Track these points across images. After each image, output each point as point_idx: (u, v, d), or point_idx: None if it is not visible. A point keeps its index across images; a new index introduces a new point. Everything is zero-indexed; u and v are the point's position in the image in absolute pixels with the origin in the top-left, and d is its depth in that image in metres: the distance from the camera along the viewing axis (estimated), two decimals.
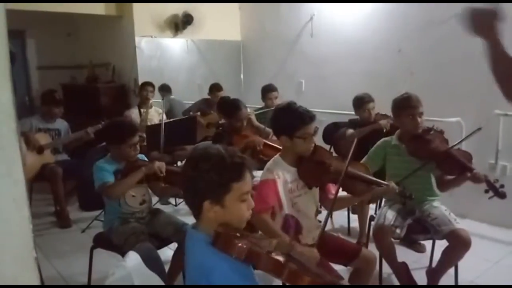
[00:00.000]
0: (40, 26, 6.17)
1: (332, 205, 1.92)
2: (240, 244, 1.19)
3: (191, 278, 1.28)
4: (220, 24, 5.80)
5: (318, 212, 2.15)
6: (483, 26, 1.22)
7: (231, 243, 1.19)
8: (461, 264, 2.38)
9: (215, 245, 1.21)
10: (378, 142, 2.66)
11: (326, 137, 4.26)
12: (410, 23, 4.03)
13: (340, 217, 3.64)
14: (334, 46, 4.82)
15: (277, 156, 2.11)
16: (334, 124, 4.26)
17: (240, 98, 3.66)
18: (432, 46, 3.82)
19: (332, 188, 2.13)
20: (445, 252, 2.35)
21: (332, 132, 4.13)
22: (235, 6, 6.00)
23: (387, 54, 4.21)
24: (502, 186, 2.28)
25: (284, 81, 5.26)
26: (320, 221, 2.17)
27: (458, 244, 2.25)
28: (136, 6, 5.23)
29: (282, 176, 2.01)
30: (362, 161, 2.53)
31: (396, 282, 2.52)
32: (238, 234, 1.26)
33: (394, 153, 2.55)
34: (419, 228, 2.44)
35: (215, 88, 4.95)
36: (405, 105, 2.48)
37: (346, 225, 3.61)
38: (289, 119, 2.01)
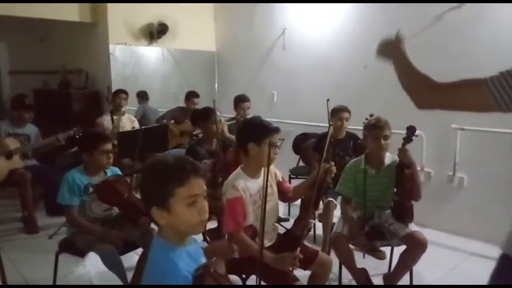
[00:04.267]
0: (13, 30, 6.11)
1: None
2: None
3: (149, 280, 1.34)
4: (195, 35, 5.89)
5: (277, 216, 2.26)
6: (390, 50, 1.47)
7: None
8: (418, 270, 2.50)
9: None
10: (346, 168, 2.72)
11: (295, 147, 4.41)
12: (375, 40, 4.20)
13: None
14: (305, 59, 4.98)
15: (238, 169, 2.19)
16: (303, 134, 4.41)
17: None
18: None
19: (286, 185, 2.32)
20: (402, 255, 2.49)
21: (301, 142, 4.28)
22: (210, 17, 6.10)
23: (354, 69, 4.38)
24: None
25: (257, 92, 5.37)
26: (278, 224, 2.30)
27: (415, 246, 2.38)
28: (111, 13, 5.27)
29: (247, 190, 2.11)
30: (336, 189, 2.73)
31: None
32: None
33: (362, 178, 2.62)
34: (377, 234, 2.56)
35: (191, 95, 4.98)
36: (371, 127, 2.61)
37: (312, 232, 3.71)
38: (258, 127, 2.13)
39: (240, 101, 4.36)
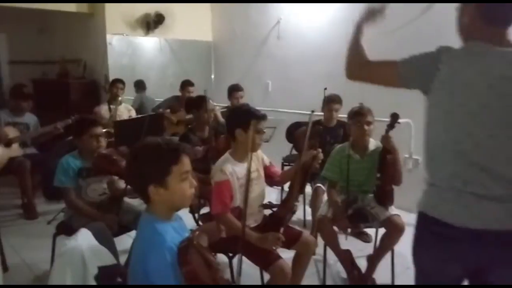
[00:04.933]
0: (12, 20, 6.18)
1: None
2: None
3: (137, 253, 1.44)
4: (192, 25, 5.96)
5: (263, 198, 2.37)
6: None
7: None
8: (400, 251, 2.60)
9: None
10: (331, 154, 2.84)
11: (288, 136, 4.50)
12: (368, 28, 4.28)
13: (298, 211, 3.86)
14: (299, 49, 5.05)
15: (226, 154, 2.30)
16: (297, 123, 4.49)
17: (210, 96, 3.84)
18: (384, 51, 4.08)
19: (273, 169, 2.42)
20: (382, 238, 2.60)
21: (294, 131, 4.37)
22: (206, 7, 6.17)
23: None
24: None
25: (252, 82, 5.46)
26: (265, 205, 2.41)
27: (393, 230, 2.50)
28: (108, 4, 5.33)
29: (234, 173, 2.21)
30: (322, 174, 2.82)
31: (341, 268, 2.75)
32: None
33: (347, 163, 2.71)
34: (360, 217, 2.67)
35: (186, 84, 5.05)
36: (355, 114, 2.72)
37: (302, 218, 3.83)
38: (246, 114, 2.23)
39: (233, 90, 4.45)
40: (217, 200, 2.17)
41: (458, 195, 1.28)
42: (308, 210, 3.74)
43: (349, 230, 2.68)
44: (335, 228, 2.63)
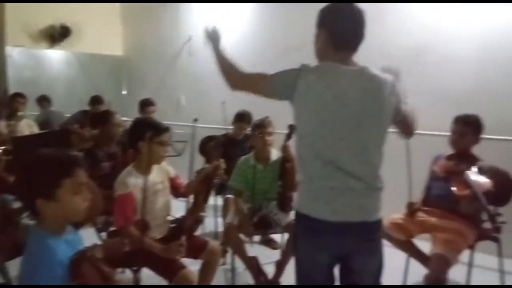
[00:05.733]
0: None
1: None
2: None
3: (26, 269, 1.39)
4: (101, 38, 5.83)
5: (169, 210, 2.40)
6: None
7: None
8: None
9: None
10: (237, 164, 2.96)
11: (201, 149, 4.56)
12: (273, 47, 4.56)
13: (209, 223, 3.91)
14: (210, 65, 5.14)
15: (129, 167, 2.30)
16: (209, 137, 4.57)
17: (122, 112, 3.78)
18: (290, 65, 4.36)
19: (178, 181, 2.46)
20: (286, 243, 2.76)
21: (206, 144, 4.44)
22: (116, 21, 6.07)
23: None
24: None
25: (165, 96, 5.47)
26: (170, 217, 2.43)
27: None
28: (8, 14, 5.03)
29: (137, 186, 2.21)
30: (228, 184, 2.94)
31: (249, 275, 2.85)
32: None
33: (251, 173, 2.85)
34: (264, 224, 2.81)
35: (95, 100, 4.92)
36: (256, 126, 2.90)
37: (214, 229, 3.88)
38: (148, 127, 2.25)
39: (145, 105, 4.42)
40: (119, 214, 2.16)
41: (321, 193, 1.49)
42: (220, 221, 3.81)
43: (255, 238, 2.80)
44: (242, 236, 2.73)
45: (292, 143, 2.76)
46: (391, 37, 3.86)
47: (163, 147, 2.30)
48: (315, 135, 1.48)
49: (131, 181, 2.20)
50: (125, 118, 4.19)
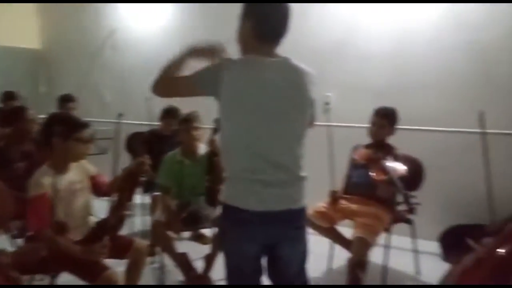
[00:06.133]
0: None
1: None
2: None
3: None
4: (15, 31, 5.39)
5: (89, 211, 2.29)
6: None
7: None
8: None
9: None
10: (163, 161, 2.89)
11: (128, 146, 4.41)
12: (201, 39, 4.51)
13: (138, 221, 3.80)
14: (135, 59, 5.02)
15: (43, 166, 2.15)
16: (136, 134, 4.44)
17: (40, 108, 3.52)
18: None
19: (100, 179, 2.36)
20: (214, 237, 2.76)
21: (132, 141, 4.31)
22: (32, 12, 5.66)
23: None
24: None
25: (89, 92, 5.22)
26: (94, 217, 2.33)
27: None
28: None
29: (53, 185, 2.08)
30: (156, 181, 2.87)
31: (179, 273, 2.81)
32: None
33: (179, 168, 2.81)
34: (193, 219, 2.78)
35: (8, 96, 4.53)
36: (182, 121, 2.85)
37: (143, 228, 3.78)
38: (63, 122, 2.12)
39: (64, 101, 4.18)
40: (34, 216, 2.01)
41: (249, 184, 1.49)
42: (149, 220, 3.71)
43: (185, 234, 2.77)
44: (170, 232, 2.69)
45: (219, 137, 2.78)
46: (314, 32, 3.98)
47: (82, 144, 2.18)
48: (243, 128, 1.49)
49: (46, 181, 2.07)
50: (43, 116, 3.92)
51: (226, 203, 1.56)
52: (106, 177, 2.45)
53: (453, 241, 2.72)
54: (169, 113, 3.77)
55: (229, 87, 1.48)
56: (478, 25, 3.33)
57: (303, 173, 1.56)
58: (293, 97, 1.51)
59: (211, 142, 2.67)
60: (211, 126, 2.90)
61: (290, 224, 1.55)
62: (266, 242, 1.54)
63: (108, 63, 5.26)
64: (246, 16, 1.55)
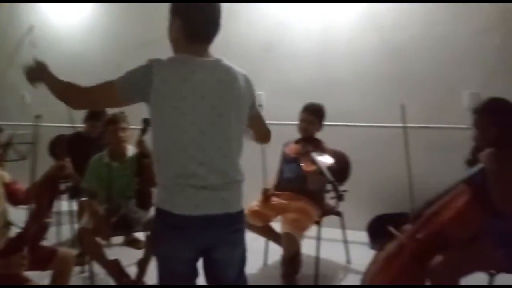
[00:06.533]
0: None
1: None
2: None
3: None
4: None
5: (5, 220, 2.13)
6: (36, 74, 1.63)
7: None
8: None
9: None
10: (89, 164, 2.77)
11: (51, 150, 4.15)
12: (129, 42, 4.37)
13: (66, 230, 3.59)
14: (57, 59, 4.69)
15: None
16: (59, 136, 4.19)
17: None
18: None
19: (16, 187, 2.20)
20: (146, 239, 2.68)
21: (56, 144, 4.07)
22: None
23: (106, 68, 4.41)
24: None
25: (5, 93, 4.85)
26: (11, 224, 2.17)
27: None
28: None
29: None
30: (82, 185, 2.73)
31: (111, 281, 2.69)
32: None
33: (106, 171, 2.70)
34: (124, 224, 2.68)
35: None
36: (108, 122, 2.73)
37: (71, 237, 3.58)
38: None
39: None
40: None
41: (182, 189, 1.43)
42: (77, 227, 3.52)
43: (118, 239, 2.66)
44: (99, 239, 2.57)
45: (147, 138, 2.69)
46: (245, 32, 4.02)
47: None
48: (176, 130, 1.42)
49: None
50: None
51: (159, 207, 1.50)
52: (25, 184, 2.28)
53: (379, 230, 2.86)
54: (93, 115, 3.60)
55: (161, 89, 1.40)
56: (394, 24, 3.56)
57: (239, 177, 1.52)
58: (227, 99, 1.46)
59: (140, 143, 2.59)
60: (139, 127, 2.84)
61: (227, 228, 1.50)
62: (202, 246, 1.50)
63: (27, 62, 4.90)
64: (174, 13, 1.48)
